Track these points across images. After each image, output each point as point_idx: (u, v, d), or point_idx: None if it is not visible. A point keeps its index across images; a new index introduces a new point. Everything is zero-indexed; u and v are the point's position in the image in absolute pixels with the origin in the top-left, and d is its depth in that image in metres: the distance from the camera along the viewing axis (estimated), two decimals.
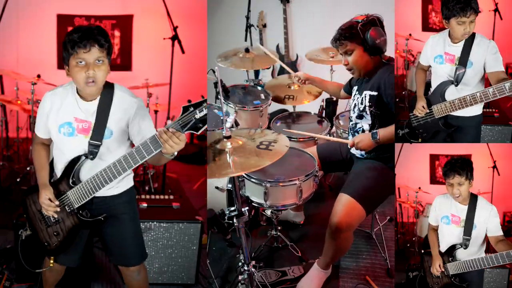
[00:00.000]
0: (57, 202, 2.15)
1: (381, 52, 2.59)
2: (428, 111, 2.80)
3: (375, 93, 2.62)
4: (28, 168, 3.87)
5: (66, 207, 2.17)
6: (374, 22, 2.56)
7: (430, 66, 2.85)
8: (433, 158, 4.72)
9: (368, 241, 3.32)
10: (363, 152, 2.76)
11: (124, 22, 4.97)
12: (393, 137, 2.63)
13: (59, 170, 2.21)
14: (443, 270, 2.71)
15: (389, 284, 2.96)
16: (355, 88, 2.84)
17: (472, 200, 2.64)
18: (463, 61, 2.60)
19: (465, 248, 2.62)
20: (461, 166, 2.60)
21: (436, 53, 2.74)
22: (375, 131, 2.65)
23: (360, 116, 2.73)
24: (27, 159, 4.19)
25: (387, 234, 3.31)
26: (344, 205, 2.54)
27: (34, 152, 2.26)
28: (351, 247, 3.24)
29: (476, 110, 2.74)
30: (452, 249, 2.68)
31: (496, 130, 3.78)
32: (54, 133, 2.15)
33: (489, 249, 2.74)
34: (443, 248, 2.75)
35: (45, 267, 2.40)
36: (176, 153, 1.93)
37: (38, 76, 3.80)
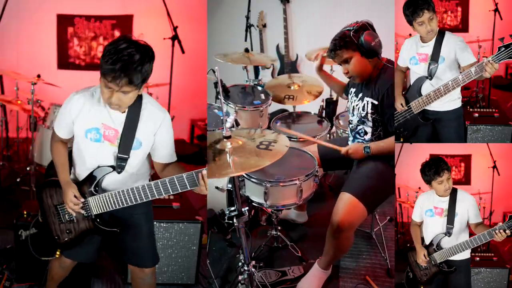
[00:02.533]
0: (82, 199, 2.16)
1: (377, 54, 2.62)
2: (406, 108, 2.89)
3: (376, 102, 2.64)
4: (28, 168, 3.87)
5: (83, 210, 2.19)
6: (365, 27, 2.59)
7: (408, 68, 2.97)
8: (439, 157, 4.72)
9: (368, 241, 3.33)
10: (367, 146, 2.76)
11: (124, 22, 4.97)
12: (387, 151, 2.67)
13: (77, 173, 2.22)
14: (428, 259, 2.82)
15: (389, 284, 2.96)
16: (352, 90, 2.85)
17: (452, 192, 2.77)
18: (435, 57, 2.74)
19: (449, 236, 2.73)
20: (444, 162, 2.73)
21: (410, 55, 2.88)
22: (367, 145, 2.69)
23: (361, 122, 2.75)
24: (27, 159, 4.19)
25: (387, 234, 3.31)
26: (346, 204, 2.55)
27: (54, 150, 2.24)
28: (351, 247, 3.25)
29: (455, 103, 2.85)
30: (436, 238, 2.78)
31: (496, 130, 3.78)
32: (80, 136, 2.13)
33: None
34: (428, 240, 2.84)
35: (49, 257, 2.42)
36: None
37: (38, 76, 3.80)
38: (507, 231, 2.45)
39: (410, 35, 4.60)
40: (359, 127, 2.77)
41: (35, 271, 2.78)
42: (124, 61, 1.88)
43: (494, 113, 3.93)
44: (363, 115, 2.72)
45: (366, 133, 2.75)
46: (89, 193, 2.17)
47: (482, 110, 4.02)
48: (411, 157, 4.32)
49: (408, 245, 4.26)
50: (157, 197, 2.07)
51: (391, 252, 3.16)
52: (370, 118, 2.69)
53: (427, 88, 2.81)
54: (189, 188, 1.99)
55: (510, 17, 4.13)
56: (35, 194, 2.32)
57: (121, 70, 1.88)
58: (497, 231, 2.46)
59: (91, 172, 2.16)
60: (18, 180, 3.96)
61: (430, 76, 2.77)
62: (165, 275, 2.98)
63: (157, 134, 2.14)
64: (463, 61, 2.72)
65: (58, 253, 2.31)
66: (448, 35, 2.77)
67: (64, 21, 4.88)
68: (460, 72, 2.68)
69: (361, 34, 2.55)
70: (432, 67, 2.75)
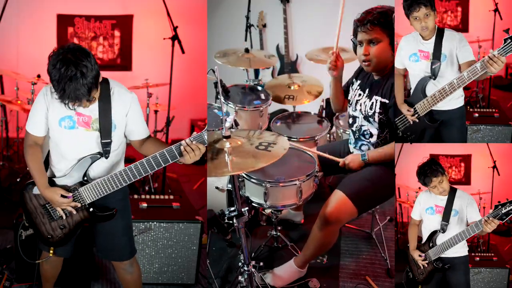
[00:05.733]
0: (70, 194, 2.17)
1: None
2: (413, 111, 2.78)
3: (387, 101, 2.58)
4: (28, 168, 3.87)
5: (76, 202, 2.21)
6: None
7: (405, 69, 2.83)
8: (433, 158, 4.72)
9: (368, 241, 3.33)
10: (364, 154, 2.75)
11: (124, 22, 4.97)
12: (386, 158, 2.64)
13: (59, 168, 2.23)
14: (423, 258, 2.82)
15: (389, 284, 2.96)
16: (358, 82, 2.76)
17: (451, 191, 2.76)
18: (437, 55, 2.64)
19: (443, 232, 2.73)
20: (431, 168, 2.72)
21: (410, 52, 2.74)
22: (363, 152, 2.68)
23: (367, 120, 2.70)
24: None
25: (387, 234, 3.31)
26: (337, 201, 2.57)
27: (29, 156, 2.20)
28: (351, 247, 3.25)
29: (458, 102, 2.78)
30: (432, 235, 2.78)
31: (496, 130, 3.79)
32: (54, 126, 2.15)
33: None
34: (425, 238, 2.84)
35: (43, 258, 2.42)
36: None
37: (38, 76, 3.80)
38: (495, 220, 2.42)
39: None
40: (363, 128, 2.72)
41: (35, 271, 2.77)
42: (77, 93, 1.95)
43: (494, 113, 3.94)
44: (369, 114, 2.66)
45: (371, 135, 2.70)
46: (79, 184, 2.19)
47: (482, 110, 4.02)
48: (411, 157, 4.31)
49: (408, 245, 4.28)
50: (145, 174, 2.11)
51: (391, 252, 3.16)
52: (376, 119, 2.63)
53: (431, 88, 2.72)
54: (170, 161, 2.06)
55: (510, 17, 4.13)
56: (19, 197, 2.31)
57: (78, 97, 1.97)
58: (484, 220, 2.44)
59: (77, 164, 2.17)
60: (18, 180, 3.96)
61: (434, 75, 2.68)
62: (165, 275, 2.98)
63: (129, 115, 2.21)
64: (462, 59, 2.63)
65: (51, 252, 2.31)
66: (447, 32, 2.68)
67: (64, 21, 4.88)
68: (459, 70, 2.63)
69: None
70: (434, 67, 2.66)
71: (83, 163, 2.18)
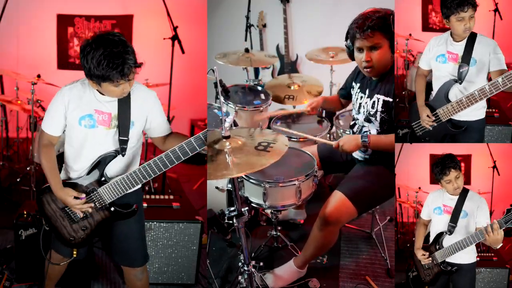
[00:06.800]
0: (83, 195, 2.16)
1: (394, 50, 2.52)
2: (434, 118, 2.71)
3: (389, 99, 2.56)
4: (28, 168, 3.87)
5: (96, 203, 2.20)
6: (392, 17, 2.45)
7: (430, 71, 2.77)
8: (433, 158, 4.72)
9: (368, 241, 3.33)
10: (366, 155, 2.74)
11: (124, 22, 4.97)
12: (387, 147, 2.58)
13: (74, 170, 2.22)
14: (427, 257, 2.78)
15: (389, 284, 2.96)
16: (358, 85, 2.76)
17: (463, 191, 2.68)
18: (466, 59, 2.56)
19: (449, 234, 2.67)
20: (453, 161, 2.64)
21: (439, 52, 2.66)
22: (365, 134, 2.61)
23: (368, 120, 2.69)
24: (27, 159, 4.19)
25: (387, 234, 3.31)
26: (336, 201, 2.57)
27: (44, 155, 2.18)
28: (351, 247, 3.25)
29: (480, 114, 2.72)
30: (438, 237, 2.73)
31: (496, 130, 3.78)
32: (75, 125, 2.13)
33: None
34: (432, 238, 2.80)
35: (53, 259, 2.41)
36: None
37: (38, 76, 3.80)
38: (499, 231, 2.36)
39: (410, 35, 4.63)
40: (364, 128, 2.72)
41: (35, 271, 2.78)
42: (126, 61, 1.98)
43: (494, 113, 3.93)
44: (371, 113, 2.64)
45: None
46: (98, 184, 2.18)
47: (485, 113, 4.01)
48: (411, 157, 4.33)
49: (408, 245, 4.28)
50: (163, 169, 2.11)
51: (391, 252, 3.16)
52: (378, 118, 2.62)
53: (455, 92, 2.62)
54: (190, 154, 2.07)
55: (510, 17, 4.13)
56: (36, 202, 2.31)
57: (128, 69, 1.99)
58: (488, 229, 2.36)
59: (94, 163, 2.17)
60: (18, 180, 3.96)
61: (460, 79, 2.55)
62: (165, 275, 2.98)
63: (151, 114, 2.22)
64: (493, 66, 2.53)
65: (75, 253, 2.31)
66: (480, 37, 2.57)
67: (64, 21, 4.88)
68: (487, 77, 2.52)
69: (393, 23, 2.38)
70: (462, 70, 2.54)
71: (101, 162, 2.17)
